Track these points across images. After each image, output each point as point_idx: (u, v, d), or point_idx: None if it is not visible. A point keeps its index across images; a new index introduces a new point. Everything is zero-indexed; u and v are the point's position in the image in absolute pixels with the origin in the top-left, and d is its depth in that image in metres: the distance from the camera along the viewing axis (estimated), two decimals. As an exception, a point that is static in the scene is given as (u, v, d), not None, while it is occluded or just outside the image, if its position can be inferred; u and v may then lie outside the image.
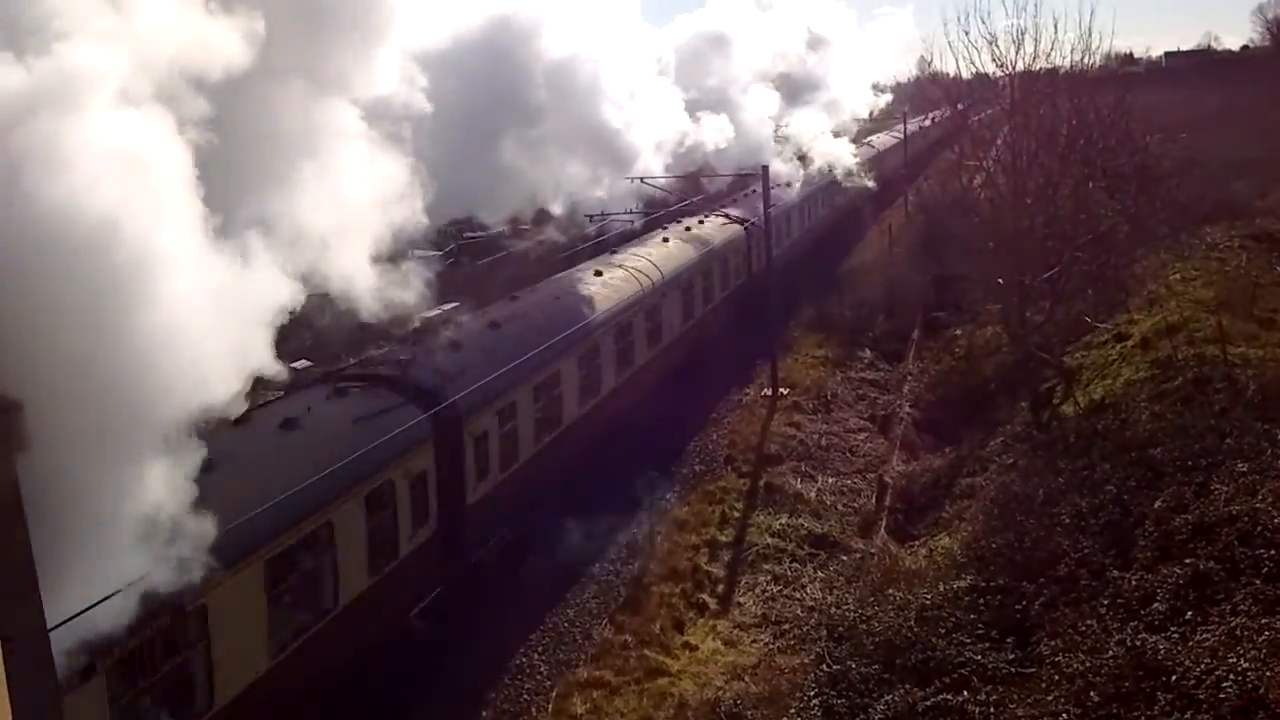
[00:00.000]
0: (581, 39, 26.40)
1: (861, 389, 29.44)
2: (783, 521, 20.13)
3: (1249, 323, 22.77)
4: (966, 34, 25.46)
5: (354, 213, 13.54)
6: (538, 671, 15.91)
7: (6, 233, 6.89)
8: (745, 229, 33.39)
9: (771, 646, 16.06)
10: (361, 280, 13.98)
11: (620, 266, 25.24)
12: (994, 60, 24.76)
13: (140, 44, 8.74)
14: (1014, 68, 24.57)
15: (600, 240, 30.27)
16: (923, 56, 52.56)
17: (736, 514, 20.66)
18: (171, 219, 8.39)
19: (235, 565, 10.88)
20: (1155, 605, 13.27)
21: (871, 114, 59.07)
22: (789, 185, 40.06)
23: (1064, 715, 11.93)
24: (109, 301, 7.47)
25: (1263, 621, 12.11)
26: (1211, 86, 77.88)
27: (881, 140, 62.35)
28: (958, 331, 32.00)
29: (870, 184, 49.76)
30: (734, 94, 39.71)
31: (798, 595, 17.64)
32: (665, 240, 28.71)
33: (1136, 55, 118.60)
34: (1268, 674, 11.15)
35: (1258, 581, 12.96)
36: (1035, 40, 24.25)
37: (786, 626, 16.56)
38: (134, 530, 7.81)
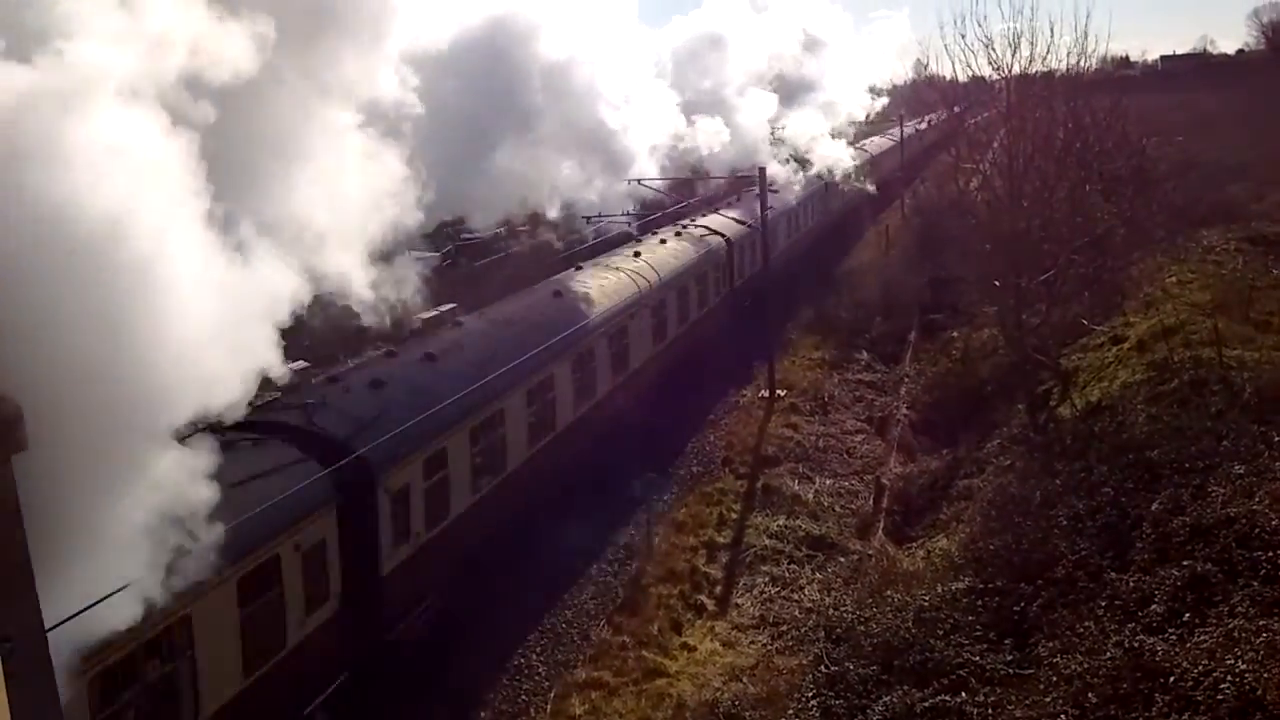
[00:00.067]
0: (578, 41, 26.42)
1: (859, 391, 29.47)
2: (780, 523, 20.14)
3: (1245, 325, 22.82)
4: (963, 37, 25.48)
5: (349, 214, 13.55)
6: (536, 672, 15.90)
7: (9, 231, 6.87)
8: (726, 241, 31.75)
9: (769, 647, 16.06)
10: (357, 281, 14.00)
11: (584, 286, 23.38)
12: (990, 63, 24.79)
13: (145, 44, 8.75)
14: (1010, 71, 24.60)
15: (595, 243, 30.20)
16: (919, 59, 52.60)
17: (734, 515, 20.67)
18: (175, 218, 8.38)
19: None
20: (1153, 607, 13.29)
21: (868, 117, 59.06)
22: (775, 191, 39.54)
23: (1062, 717, 11.94)
24: (111, 301, 7.45)
25: (1260, 623, 12.12)
26: (1207, 90, 78.14)
27: (876, 144, 62.23)
28: (954, 334, 32.02)
29: (869, 188, 49.77)
30: (729, 95, 39.71)
31: (796, 596, 17.64)
32: (637, 255, 26.62)
33: (1132, 59, 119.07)
34: (1265, 675, 11.17)
35: (1255, 583, 12.98)
36: (1031, 43, 24.28)
37: (784, 628, 16.56)
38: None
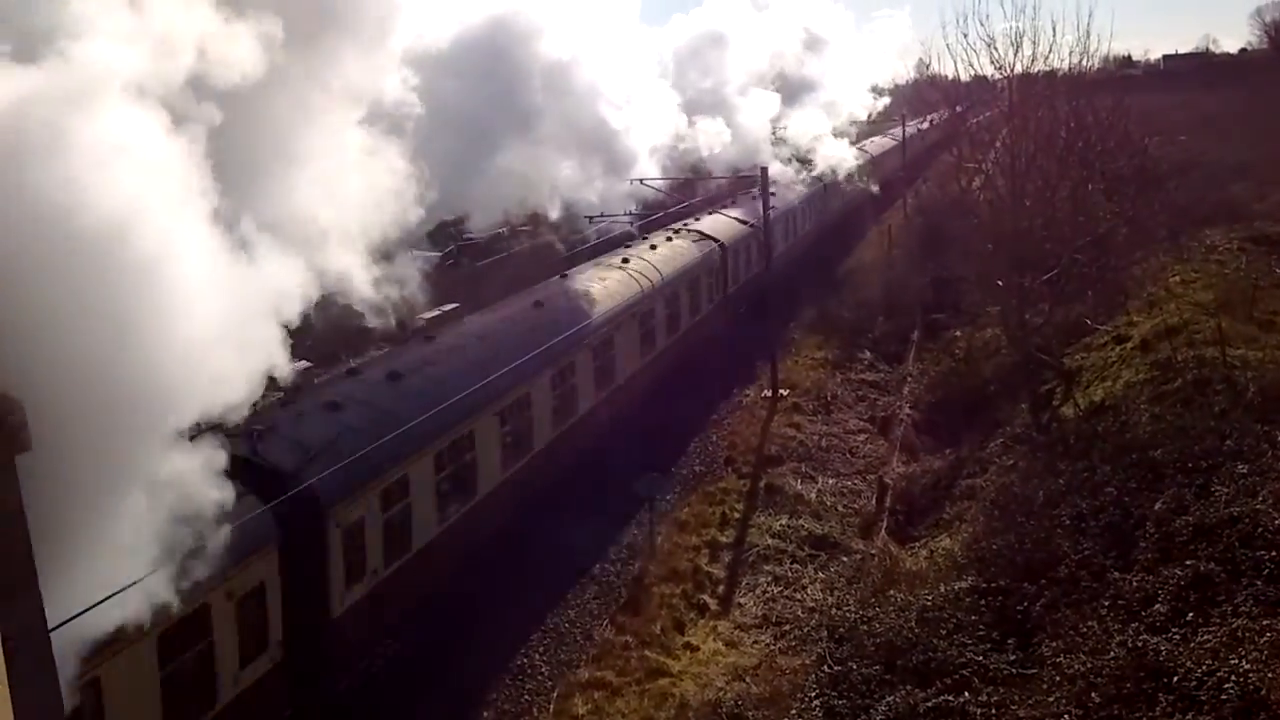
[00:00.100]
0: (579, 41, 26.45)
1: (861, 390, 29.45)
2: (783, 522, 20.13)
3: (1248, 325, 22.79)
4: (965, 36, 25.52)
5: (351, 213, 13.57)
6: (539, 672, 15.89)
7: (14, 231, 6.87)
8: (720, 246, 30.68)
9: (772, 647, 16.04)
10: (359, 281, 14.01)
11: (567, 295, 22.34)
12: (992, 63, 24.81)
13: (152, 45, 8.77)
14: (1012, 70, 24.61)
15: (593, 245, 30.11)
16: (921, 59, 52.62)
17: (737, 515, 20.65)
18: (181, 218, 8.39)
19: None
20: (1156, 606, 13.29)
21: (870, 116, 59.03)
22: (772, 193, 38.87)
23: (1065, 716, 11.94)
24: (118, 300, 7.46)
25: (1264, 623, 12.12)
26: (1210, 89, 78.02)
27: (878, 144, 61.99)
28: (957, 333, 32.00)
29: (872, 188, 49.60)
30: (730, 94, 39.71)
31: (798, 596, 17.63)
32: (625, 261, 25.67)
33: (1135, 58, 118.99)
34: (1269, 675, 11.16)
35: (1259, 582, 12.97)
36: (1034, 43, 24.30)
37: (787, 627, 16.55)
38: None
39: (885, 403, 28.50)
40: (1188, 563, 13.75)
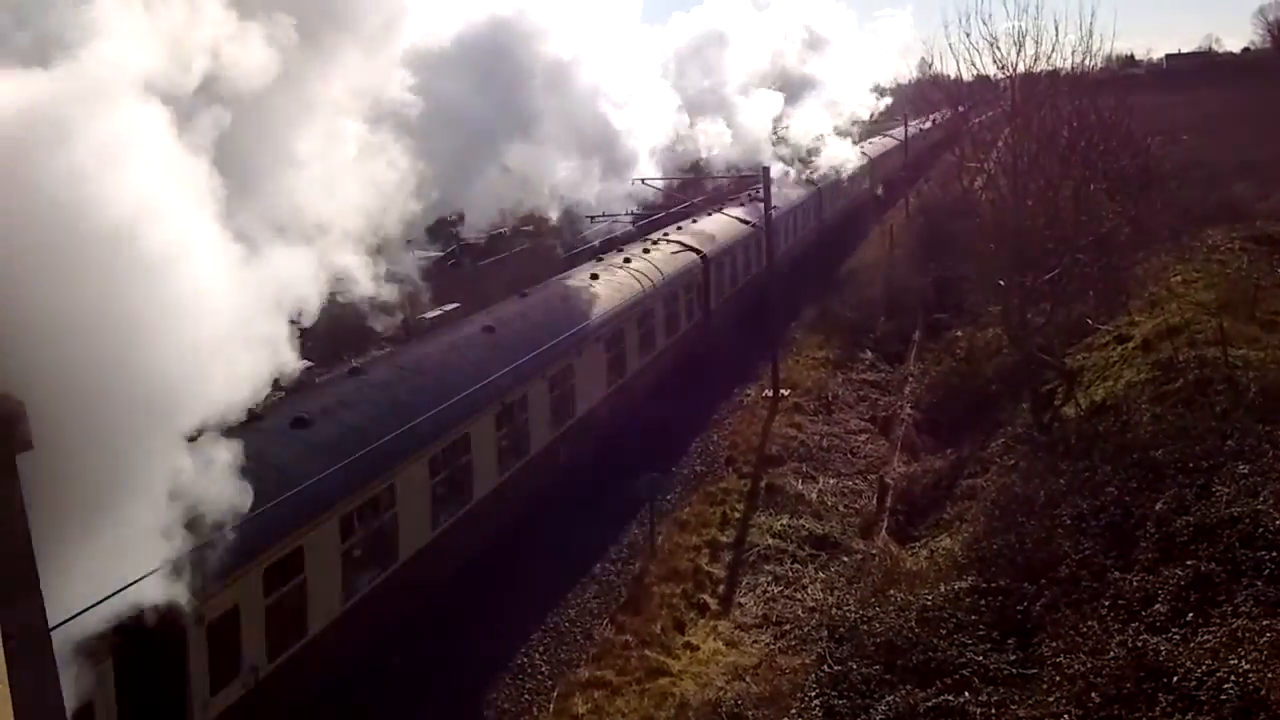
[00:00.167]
0: (581, 40, 26.46)
1: (862, 390, 29.44)
2: (784, 522, 20.13)
3: (1250, 325, 22.77)
4: (967, 36, 25.68)
5: (353, 212, 13.60)
6: (539, 671, 15.90)
7: (20, 229, 6.90)
8: (702, 258, 28.56)
9: (773, 647, 16.05)
10: (361, 280, 14.03)
11: (523, 318, 20.11)
12: (995, 62, 24.90)
13: (166, 46, 8.81)
14: (1015, 69, 24.67)
15: (590, 247, 30.03)
16: (923, 58, 52.57)
17: (737, 515, 20.64)
18: (190, 216, 8.42)
19: None
20: (1156, 606, 13.29)
21: (872, 116, 58.98)
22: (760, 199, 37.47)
23: (1065, 716, 11.94)
24: (125, 299, 7.48)
25: (1264, 623, 12.12)
26: (1213, 88, 78.05)
27: (880, 144, 61.75)
28: (959, 333, 31.98)
29: (877, 191, 49.40)
30: (730, 94, 39.71)
31: (799, 596, 17.63)
32: (594, 278, 23.63)
33: (1138, 57, 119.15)
34: (1269, 675, 11.16)
35: (1259, 583, 12.98)
36: (1036, 42, 24.39)
37: (788, 627, 16.55)
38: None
39: (886, 402, 28.49)
40: (1188, 563, 13.76)
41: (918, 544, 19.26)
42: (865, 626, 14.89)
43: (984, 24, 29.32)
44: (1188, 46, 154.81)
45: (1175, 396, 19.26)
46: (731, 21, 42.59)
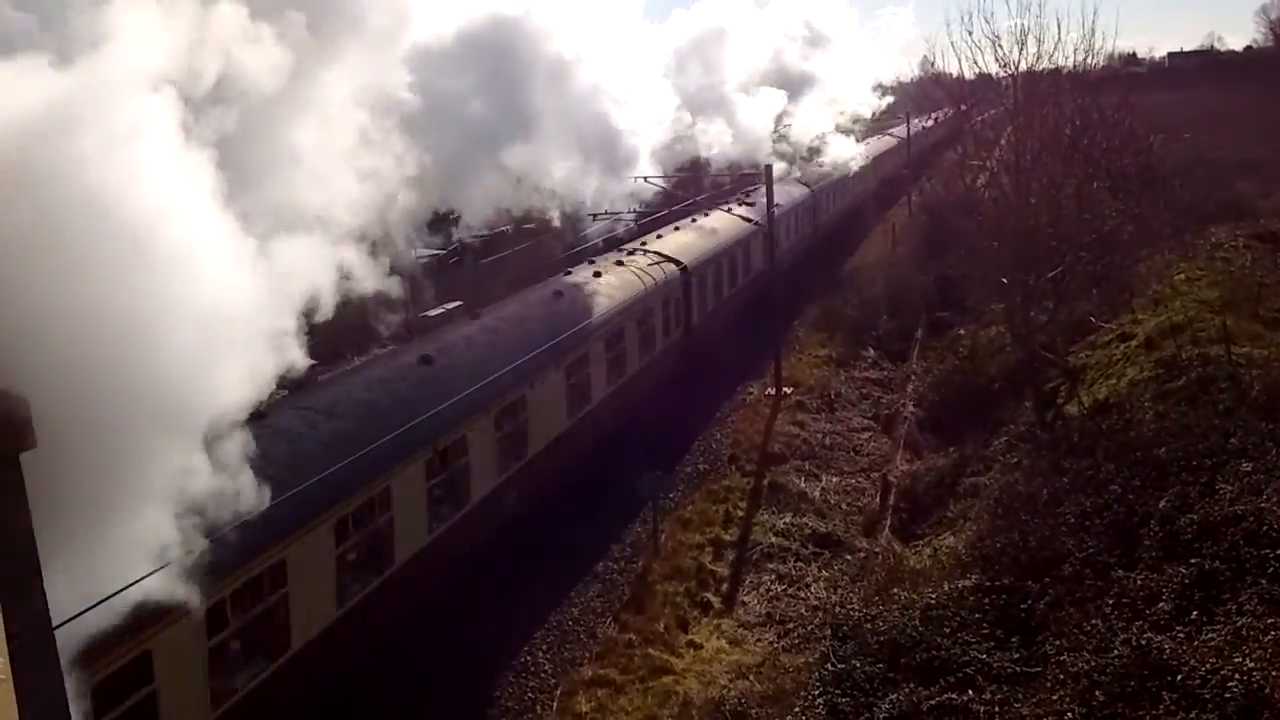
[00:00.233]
0: (584, 38, 26.46)
1: (865, 388, 29.44)
2: (787, 520, 20.13)
3: (1253, 323, 22.74)
4: (970, 34, 25.57)
5: (353, 211, 13.60)
6: (542, 670, 15.90)
7: (25, 228, 6.90)
8: (682, 270, 26.68)
9: (776, 645, 16.06)
10: (363, 278, 14.04)
11: (471, 343, 17.93)
12: (997, 60, 24.88)
13: (180, 47, 8.83)
14: (1017, 68, 24.64)
15: (589, 246, 30.01)
16: (925, 56, 52.60)
17: (740, 513, 20.65)
18: (198, 214, 8.43)
19: None
20: (1160, 605, 13.26)
21: (874, 114, 58.98)
22: (751, 204, 34.93)
23: (1069, 715, 11.91)
24: (130, 296, 7.48)
25: (1268, 621, 12.09)
26: (1215, 87, 78.00)
27: (881, 142, 61.55)
28: (962, 331, 31.98)
29: (873, 184, 49.24)
30: (730, 92, 39.71)
31: (802, 594, 17.64)
32: (558, 295, 21.57)
33: (1140, 55, 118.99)
34: (1273, 674, 11.14)
35: (1263, 581, 12.94)
36: (1039, 40, 24.35)
37: (791, 625, 16.55)
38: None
39: (889, 400, 28.49)
40: (1192, 561, 13.72)
41: (921, 542, 19.24)
42: (868, 625, 14.87)
43: (986, 22, 29.22)
44: (1190, 45, 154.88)
45: (1178, 394, 19.23)
46: (732, 18, 42.65)
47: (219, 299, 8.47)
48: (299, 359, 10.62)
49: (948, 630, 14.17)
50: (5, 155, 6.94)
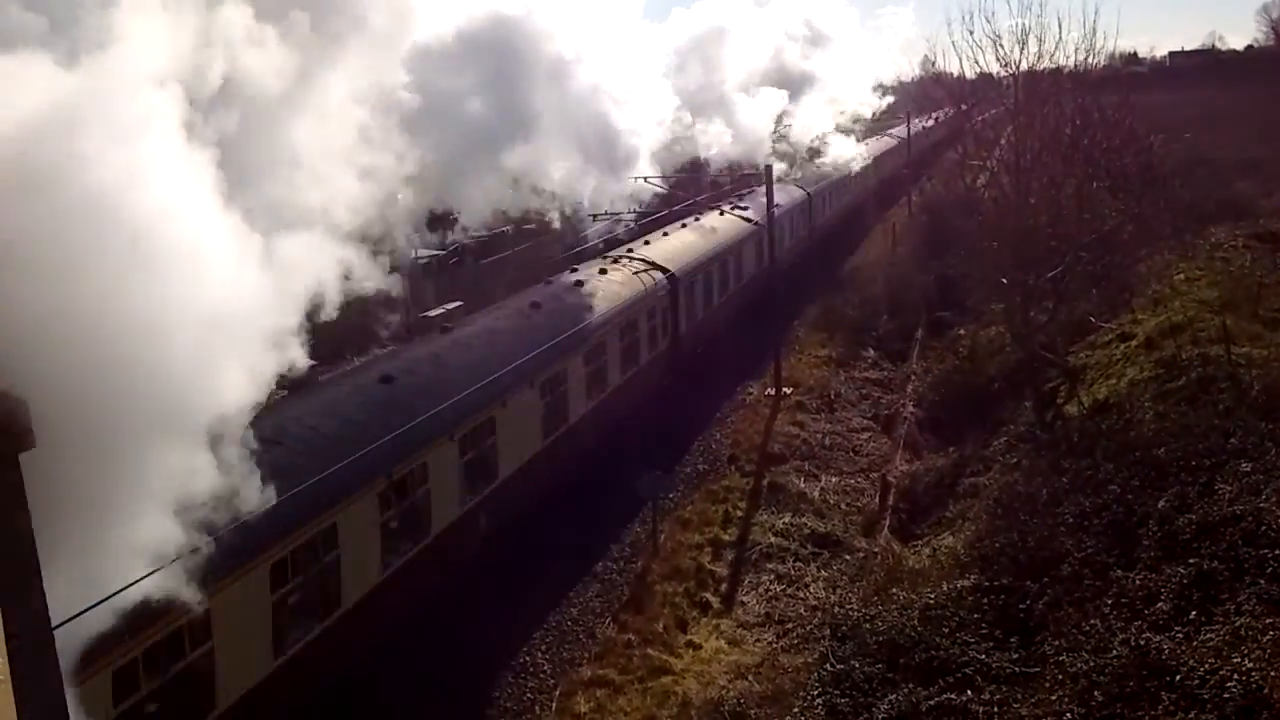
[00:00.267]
0: (583, 37, 26.46)
1: (865, 388, 29.45)
2: (786, 520, 20.14)
3: (1253, 323, 22.73)
4: (970, 33, 25.58)
5: (354, 210, 13.61)
6: (541, 670, 15.91)
7: (27, 228, 6.91)
8: (670, 278, 25.63)
9: (775, 645, 16.06)
10: (363, 278, 14.03)
11: (434, 361, 16.75)
12: (998, 60, 24.89)
13: (185, 47, 8.84)
14: (1018, 67, 24.64)
15: (588, 247, 29.98)
16: (926, 56, 52.62)
17: (740, 513, 20.66)
18: (204, 213, 8.44)
19: None
20: (1159, 605, 13.26)
21: (874, 114, 58.97)
22: (745, 207, 34.57)
23: (1068, 715, 11.92)
24: (130, 297, 7.48)
25: (1267, 621, 12.09)
26: (1216, 86, 77.97)
27: (881, 142, 61.44)
28: (962, 331, 31.98)
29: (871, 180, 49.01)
30: (729, 92, 39.70)
31: (801, 594, 17.64)
32: (535, 306, 20.55)
33: (1141, 55, 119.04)
34: (1272, 674, 11.14)
35: (1262, 581, 12.94)
36: (1039, 40, 24.37)
37: (790, 625, 16.56)
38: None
39: (889, 401, 28.49)
40: (1191, 561, 13.72)
41: (920, 542, 19.25)
42: (868, 625, 14.88)
43: (987, 21, 29.09)
44: (1191, 44, 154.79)
45: (1178, 395, 19.23)
46: (732, 17, 42.64)
47: (220, 299, 8.48)
48: (300, 359, 10.61)
49: (947, 630, 14.18)
50: (7, 155, 6.95)
